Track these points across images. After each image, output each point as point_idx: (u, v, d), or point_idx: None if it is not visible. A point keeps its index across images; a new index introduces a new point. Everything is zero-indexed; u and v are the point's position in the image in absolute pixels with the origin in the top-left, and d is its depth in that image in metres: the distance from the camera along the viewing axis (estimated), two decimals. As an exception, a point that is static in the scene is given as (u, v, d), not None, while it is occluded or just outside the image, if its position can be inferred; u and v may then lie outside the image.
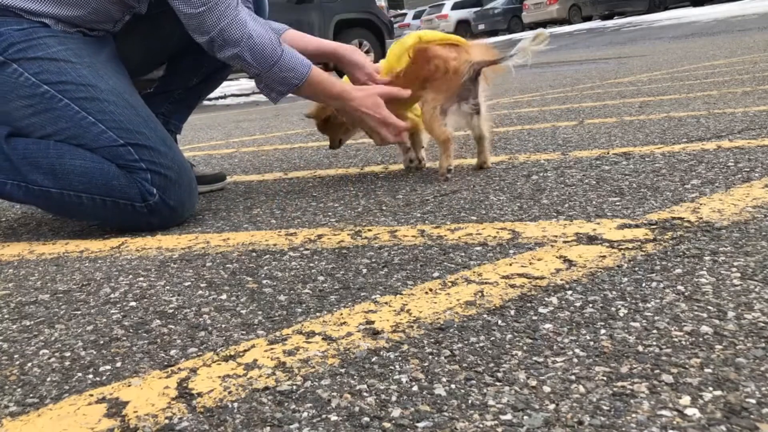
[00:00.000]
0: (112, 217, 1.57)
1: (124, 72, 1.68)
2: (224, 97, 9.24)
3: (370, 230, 1.38)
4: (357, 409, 0.70)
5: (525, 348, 0.79)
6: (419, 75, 1.73)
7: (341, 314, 0.95)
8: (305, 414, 0.70)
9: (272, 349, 0.86)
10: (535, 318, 0.87)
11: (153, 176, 1.52)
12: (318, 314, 0.96)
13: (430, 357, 0.79)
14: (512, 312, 0.89)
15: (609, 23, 17.03)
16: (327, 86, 1.69)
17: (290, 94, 1.70)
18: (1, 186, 1.56)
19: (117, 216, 1.56)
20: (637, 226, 1.20)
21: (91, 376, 0.85)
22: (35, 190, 1.55)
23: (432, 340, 0.84)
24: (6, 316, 1.10)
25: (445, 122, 1.71)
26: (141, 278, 1.23)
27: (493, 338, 0.82)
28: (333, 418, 0.69)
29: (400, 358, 0.80)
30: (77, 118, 1.51)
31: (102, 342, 0.95)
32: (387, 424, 0.66)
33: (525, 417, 0.65)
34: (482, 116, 1.76)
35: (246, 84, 10.49)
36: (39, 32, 1.53)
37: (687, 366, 0.71)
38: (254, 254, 1.31)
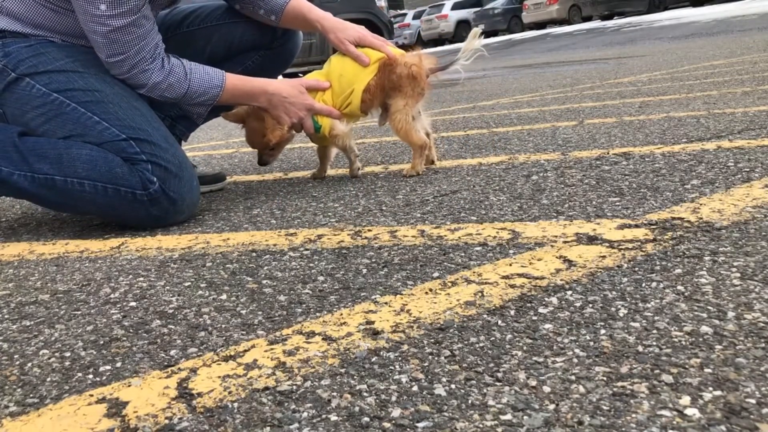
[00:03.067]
0: (113, 206, 1.58)
1: None
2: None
3: (370, 230, 1.38)
4: (357, 409, 0.70)
5: (525, 348, 0.79)
6: (385, 85, 1.81)
7: (341, 314, 0.95)
8: (305, 414, 0.70)
9: (272, 349, 0.86)
10: (535, 318, 0.87)
11: (153, 167, 1.56)
12: (318, 314, 0.96)
13: (430, 357, 0.79)
14: (512, 312, 0.89)
15: (609, 23, 17.03)
16: (246, 87, 1.75)
17: None
18: (8, 176, 1.60)
19: (118, 205, 1.57)
20: (637, 226, 1.20)
21: (91, 376, 0.85)
22: (40, 179, 1.58)
23: (432, 340, 0.84)
24: (6, 316, 1.10)
25: (416, 128, 1.83)
26: (141, 278, 1.23)
27: (493, 338, 0.82)
28: (333, 418, 0.69)
29: (400, 358, 0.80)
30: (83, 118, 1.58)
31: (102, 342, 0.95)
32: (387, 424, 0.66)
33: (525, 417, 0.65)
34: (423, 117, 1.90)
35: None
36: (46, 47, 1.62)
37: (687, 366, 0.71)
38: (254, 254, 1.31)
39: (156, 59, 1.61)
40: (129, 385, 0.81)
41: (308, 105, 1.79)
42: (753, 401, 0.63)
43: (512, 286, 0.98)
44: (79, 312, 1.09)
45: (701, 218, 1.19)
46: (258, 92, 1.76)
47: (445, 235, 1.28)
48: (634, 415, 0.63)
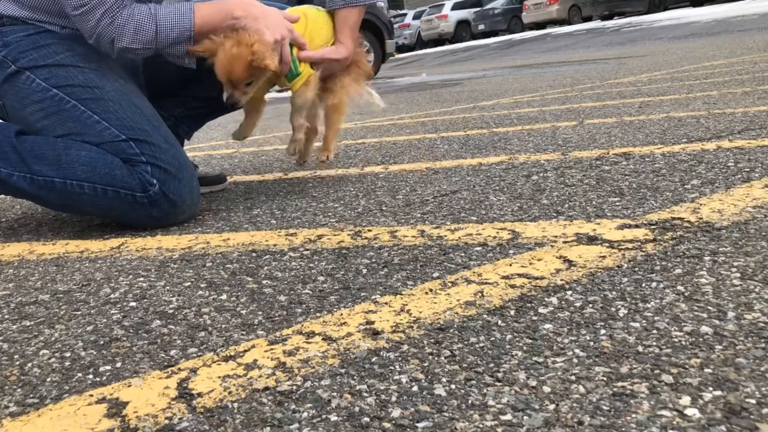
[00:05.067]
0: (112, 208, 1.57)
1: (133, 76, 1.73)
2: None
3: (370, 230, 1.38)
4: (357, 409, 0.70)
5: (525, 348, 0.79)
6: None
7: (341, 314, 0.95)
8: (305, 414, 0.70)
9: (272, 349, 0.86)
10: (535, 318, 0.87)
11: (153, 169, 1.55)
12: (318, 314, 0.96)
13: (430, 357, 0.79)
14: (512, 312, 0.89)
15: (609, 23, 17.03)
16: (218, 11, 1.57)
17: None
18: (7, 177, 1.59)
19: (118, 207, 1.57)
20: (637, 226, 1.20)
21: (91, 376, 0.85)
22: (39, 181, 1.58)
23: (432, 340, 0.84)
24: (6, 317, 1.10)
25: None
26: (141, 278, 1.23)
27: (493, 338, 0.82)
28: (333, 418, 0.69)
29: (400, 359, 0.80)
30: (83, 117, 1.56)
31: (102, 342, 0.95)
32: (387, 425, 0.66)
33: (525, 417, 0.65)
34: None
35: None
36: (46, 38, 1.59)
37: (687, 366, 0.71)
38: (254, 254, 1.31)
39: (123, 8, 1.51)
40: (129, 385, 0.81)
41: (290, 28, 1.62)
42: (753, 401, 0.63)
43: (512, 286, 0.98)
44: (79, 312, 1.09)
45: (701, 218, 1.19)
46: (233, 4, 1.58)
47: (445, 235, 1.28)
48: (634, 415, 0.63)
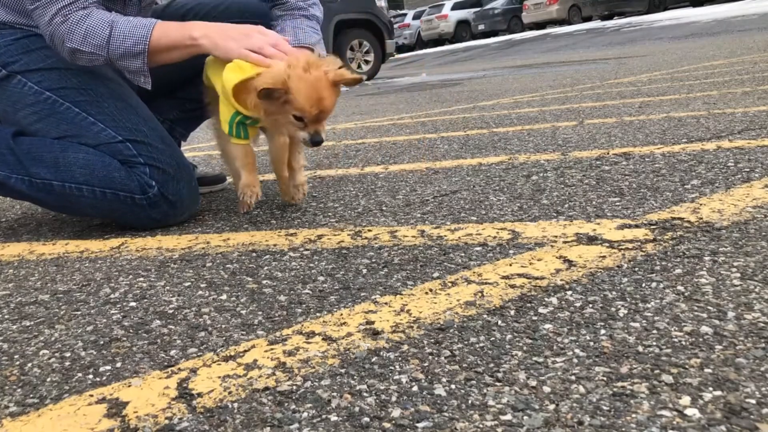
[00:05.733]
0: (112, 210, 1.57)
1: (125, 79, 1.70)
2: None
3: (370, 230, 1.38)
4: (357, 409, 0.70)
5: (525, 348, 0.79)
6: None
7: (341, 314, 0.95)
8: (305, 414, 0.70)
9: (272, 349, 0.86)
10: (535, 318, 0.87)
11: (151, 170, 1.54)
12: (318, 314, 0.96)
13: (430, 357, 0.79)
14: (512, 312, 0.89)
15: (609, 23, 17.03)
16: (174, 34, 1.49)
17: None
18: (5, 179, 1.59)
19: (117, 209, 1.56)
20: (637, 226, 1.20)
21: (91, 376, 0.85)
22: (38, 183, 1.57)
23: (432, 340, 0.84)
24: (6, 317, 1.10)
25: None
26: (141, 278, 1.23)
27: (493, 338, 0.82)
28: (333, 418, 0.69)
29: (400, 359, 0.80)
30: (78, 119, 1.55)
31: (102, 342, 0.95)
32: (387, 424, 0.66)
33: (525, 417, 0.65)
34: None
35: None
36: (36, 42, 1.58)
37: (687, 366, 0.71)
38: (254, 254, 1.31)
39: (79, 9, 1.46)
40: (129, 385, 0.81)
41: (259, 29, 1.48)
42: (753, 401, 0.63)
43: (512, 286, 0.98)
44: (79, 312, 1.09)
45: (701, 218, 1.19)
46: (191, 24, 1.51)
47: (445, 235, 1.28)
48: (634, 415, 0.63)
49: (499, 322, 0.87)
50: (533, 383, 0.71)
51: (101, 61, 1.51)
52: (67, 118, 1.55)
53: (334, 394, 0.73)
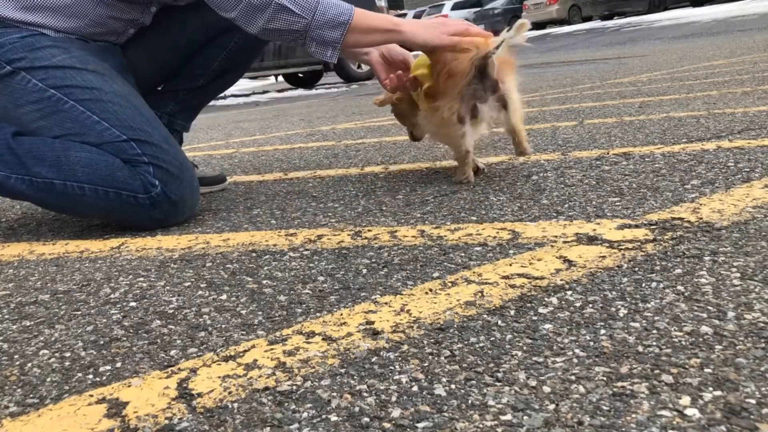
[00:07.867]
0: (114, 209, 1.57)
1: (130, 78, 1.73)
2: (224, 97, 9.24)
3: (370, 230, 1.38)
4: (357, 409, 0.70)
5: (525, 348, 0.79)
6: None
7: (341, 314, 0.95)
8: (305, 414, 0.70)
9: (272, 349, 0.86)
10: (535, 318, 0.87)
11: (155, 169, 1.54)
12: (318, 314, 0.96)
13: (430, 357, 0.79)
14: (512, 312, 0.89)
15: (609, 23, 17.03)
16: (378, 18, 1.53)
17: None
18: (5, 179, 1.58)
19: (119, 209, 1.56)
20: (637, 226, 1.20)
21: (91, 376, 0.85)
22: (38, 183, 1.57)
23: (432, 340, 0.84)
24: (6, 317, 1.10)
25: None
26: (141, 278, 1.23)
27: (493, 338, 0.82)
28: (333, 418, 0.69)
29: (400, 359, 0.80)
30: (82, 117, 1.55)
31: (102, 342, 0.95)
32: (387, 425, 0.66)
33: (525, 417, 0.65)
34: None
35: (246, 84, 10.47)
36: (41, 41, 1.58)
37: (687, 366, 0.71)
38: (254, 254, 1.31)
39: None
40: (129, 386, 0.81)
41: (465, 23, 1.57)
42: (753, 401, 0.63)
43: (512, 286, 0.98)
44: (79, 312, 1.09)
45: (701, 218, 1.19)
46: (391, 26, 1.53)
47: (445, 235, 1.28)
48: (634, 416, 0.63)
49: (499, 322, 0.87)
50: (533, 383, 0.71)
51: (297, 27, 1.48)
52: (71, 117, 1.55)
53: (334, 394, 0.73)
